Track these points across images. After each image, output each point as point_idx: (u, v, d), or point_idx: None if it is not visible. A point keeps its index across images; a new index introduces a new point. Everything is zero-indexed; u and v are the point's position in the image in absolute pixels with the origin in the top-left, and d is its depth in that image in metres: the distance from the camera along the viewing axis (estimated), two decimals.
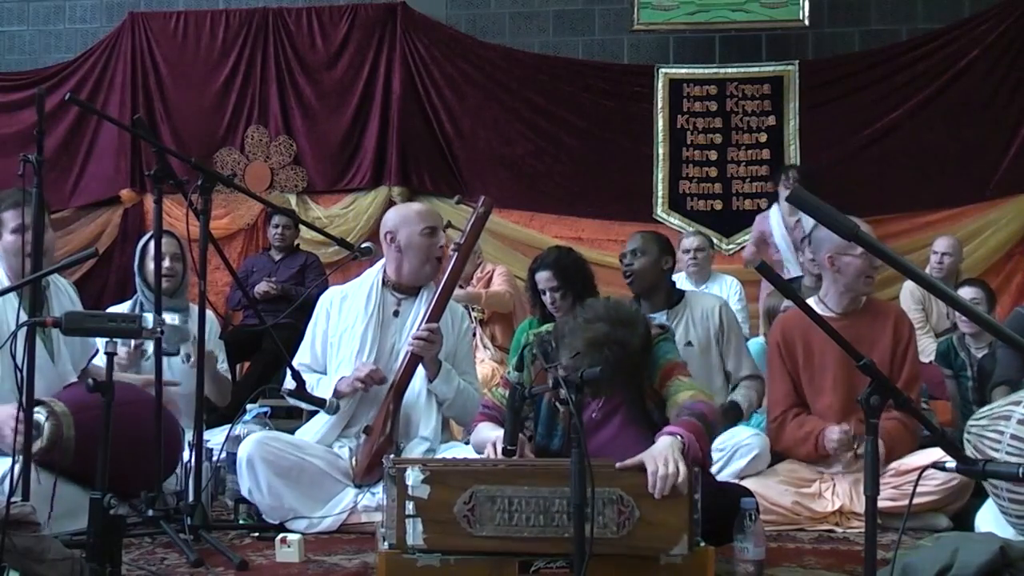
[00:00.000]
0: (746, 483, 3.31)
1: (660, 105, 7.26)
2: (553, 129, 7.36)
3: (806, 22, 7.09)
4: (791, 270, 6.17)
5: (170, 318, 3.65)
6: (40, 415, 3.10)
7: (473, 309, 5.50)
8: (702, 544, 2.50)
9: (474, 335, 5.29)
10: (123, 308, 4.17)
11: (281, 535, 3.04)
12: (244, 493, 3.35)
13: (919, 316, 5.60)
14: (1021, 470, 1.86)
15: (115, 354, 2.50)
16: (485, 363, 5.33)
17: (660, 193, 7.25)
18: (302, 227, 6.15)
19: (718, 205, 7.22)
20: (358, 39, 7.47)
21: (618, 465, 2.48)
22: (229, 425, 3.68)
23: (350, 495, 3.38)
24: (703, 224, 7.00)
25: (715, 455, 3.23)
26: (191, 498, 3.21)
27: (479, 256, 5.84)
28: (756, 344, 4.68)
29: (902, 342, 3.62)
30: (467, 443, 3.34)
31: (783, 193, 6.37)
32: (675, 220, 7.17)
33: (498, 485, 2.44)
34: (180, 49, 7.59)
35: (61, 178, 7.47)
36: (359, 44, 7.47)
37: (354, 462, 3.43)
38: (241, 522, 3.42)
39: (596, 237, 7.26)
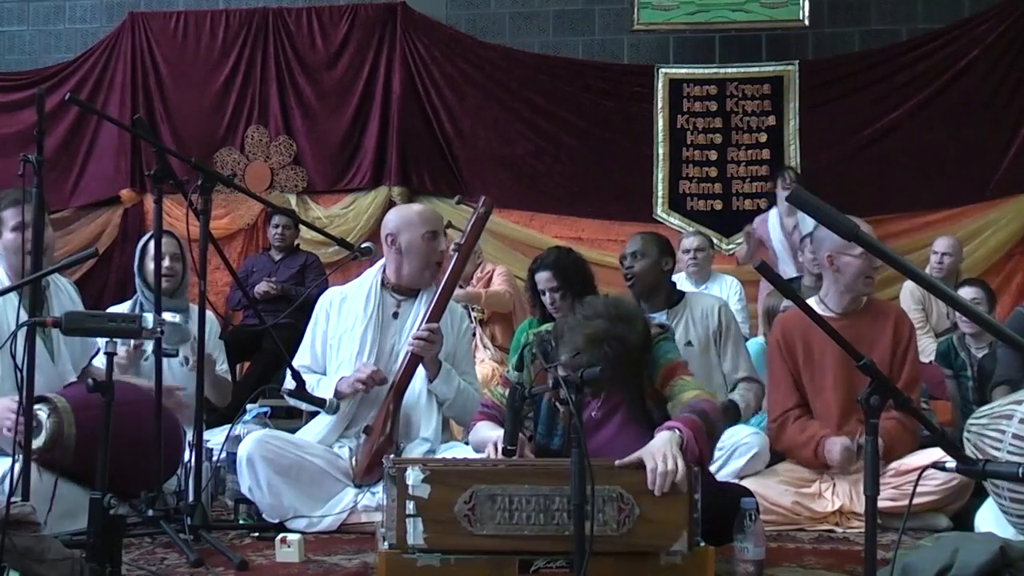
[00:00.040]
0: (746, 483, 3.31)
1: (660, 105, 7.26)
2: (553, 129, 7.37)
3: (806, 22, 7.10)
4: (786, 271, 6.17)
5: (170, 317, 3.64)
6: (42, 412, 3.10)
7: (473, 309, 5.51)
8: (702, 544, 2.50)
9: (474, 335, 5.29)
10: (123, 308, 4.17)
11: (281, 535, 3.04)
12: (244, 491, 3.35)
13: (919, 316, 5.60)
14: (1021, 470, 1.86)
15: (115, 354, 2.50)
16: (485, 363, 5.33)
17: (660, 193, 7.25)
18: (302, 227, 6.15)
19: (718, 205, 7.23)
20: (358, 39, 7.47)
21: (617, 463, 2.49)
22: (229, 425, 3.68)
23: (350, 495, 3.38)
24: (703, 224, 7.00)
25: (714, 453, 3.23)
26: (191, 498, 3.21)
27: (479, 256, 5.84)
28: (756, 344, 4.68)
29: (902, 342, 3.62)
30: (467, 443, 3.34)
31: (781, 195, 6.37)
32: (675, 220, 7.17)
33: (498, 484, 2.44)
34: (180, 49, 7.59)
35: (61, 178, 7.47)
36: (359, 44, 7.47)
37: (354, 462, 3.43)
38: (241, 522, 3.42)
39: (596, 237, 7.26)
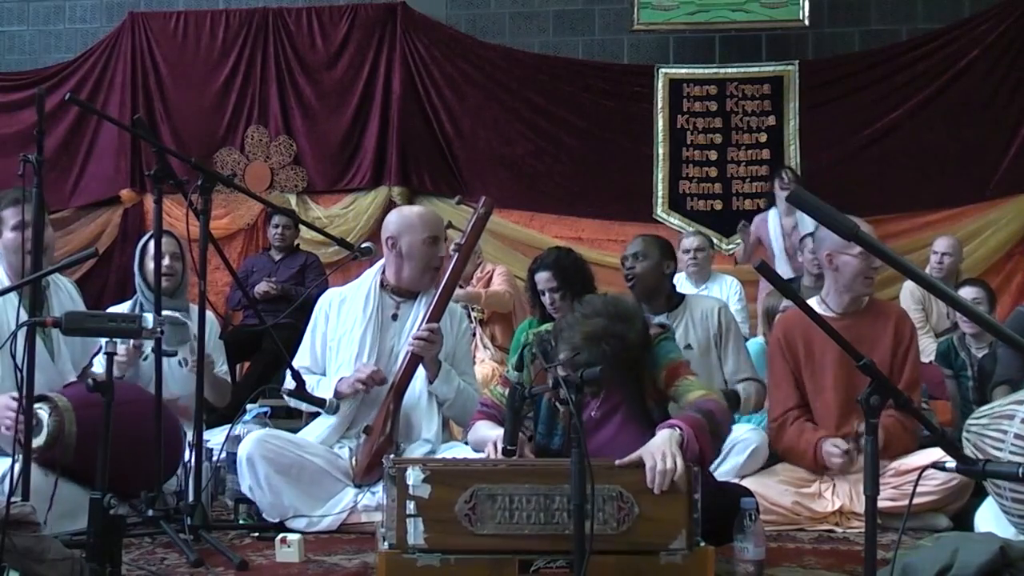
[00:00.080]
0: (746, 483, 3.31)
1: (660, 105, 7.26)
2: (553, 129, 7.37)
3: (806, 22, 7.10)
4: (784, 273, 6.16)
5: (169, 313, 3.65)
6: (43, 411, 3.10)
7: (473, 309, 5.51)
8: (702, 544, 2.50)
9: (474, 335, 5.30)
10: (123, 308, 4.17)
11: (281, 535, 3.04)
12: (244, 491, 3.35)
13: (919, 316, 5.60)
14: (1021, 470, 1.86)
15: (115, 354, 2.50)
16: (485, 363, 5.33)
17: (660, 193, 7.25)
18: (302, 227, 6.15)
19: (718, 205, 7.23)
20: (358, 39, 7.48)
21: (617, 462, 2.49)
22: (229, 425, 3.68)
23: (350, 495, 3.38)
24: (703, 224, 7.01)
25: (720, 452, 3.22)
26: (191, 498, 3.21)
27: (479, 256, 5.84)
28: (756, 344, 4.68)
29: (903, 343, 3.61)
30: (467, 443, 3.34)
31: (779, 194, 6.37)
32: (675, 220, 7.17)
33: (499, 484, 2.44)
34: (180, 49, 7.59)
35: (61, 178, 7.47)
36: (359, 44, 7.47)
37: (354, 462, 3.43)
38: (241, 522, 3.42)
39: (596, 237, 7.27)
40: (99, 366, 3.37)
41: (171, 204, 5.78)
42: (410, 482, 2.43)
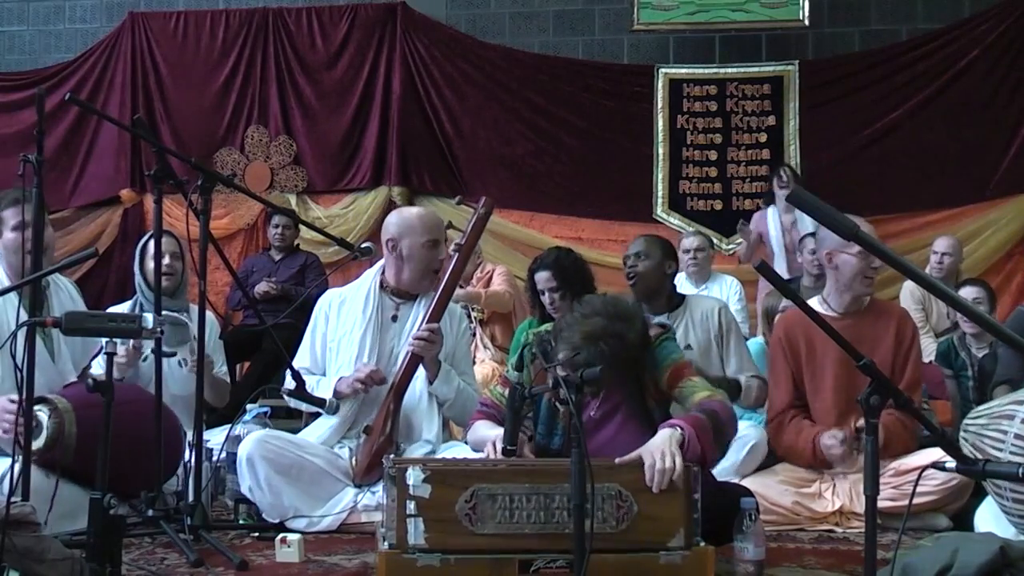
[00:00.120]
0: (746, 483, 3.31)
1: (660, 105, 7.26)
2: (553, 129, 7.37)
3: (806, 22, 7.10)
4: (782, 272, 6.16)
5: (171, 315, 3.65)
6: (42, 413, 3.10)
7: (473, 309, 5.51)
8: (702, 544, 2.50)
9: (474, 335, 5.30)
10: (123, 308, 4.17)
11: (281, 535, 3.04)
12: (244, 491, 3.35)
13: (919, 316, 5.60)
14: (1022, 470, 1.86)
15: (115, 354, 2.50)
16: (485, 363, 5.33)
17: (660, 193, 7.25)
18: (302, 227, 6.15)
19: (718, 205, 7.23)
20: (358, 39, 7.47)
21: (617, 461, 2.49)
22: (229, 425, 3.68)
23: (350, 494, 3.38)
24: (703, 224, 7.01)
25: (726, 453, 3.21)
26: (191, 498, 3.21)
27: (479, 256, 5.84)
28: (755, 344, 4.68)
29: (905, 343, 3.61)
30: (467, 443, 3.34)
31: (779, 193, 6.37)
32: (675, 220, 7.17)
33: (499, 483, 2.45)
34: (180, 49, 7.59)
35: (61, 178, 7.47)
36: (359, 44, 7.47)
37: (354, 462, 3.43)
38: (241, 522, 3.42)
39: (596, 237, 7.26)
40: (98, 368, 3.36)
41: (171, 204, 5.78)
42: (410, 482, 2.44)
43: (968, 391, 4.99)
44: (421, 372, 3.51)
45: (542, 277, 4.26)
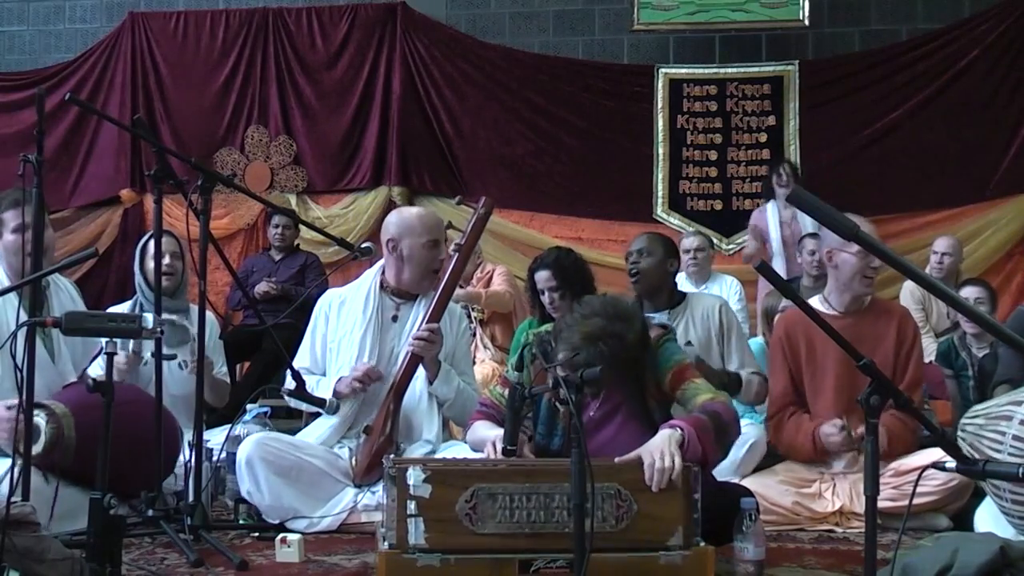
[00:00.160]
0: (746, 483, 3.32)
1: (660, 105, 7.26)
2: (553, 129, 7.37)
3: (806, 22, 7.10)
4: (779, 269, 6.15)
5: (169, 316, 3.64)
6: (40, 419, 3.09)
7: (473, 309, 5.51)
8: (702, 544, 2.50)
9: (474, 335, 5.30)
10: (123, 308, 4.17)
11: (281, 535, 3.04)
12: (244, 494, 3.35)
13: (919, 316, 5.60)
14: (1022, 470, 1.86)
15: (115, 354, 2.50)
16: (485, 363, 5.33)
17: (660, 193, 7.25)
18: (302, 227, 6.15)
19: (718, 205, 7.23)
20: (358, 39, 7.47)
21: (617, 460, 2.50)
22: (229, 425, 3.68)
23: (350, 495, 3.38)
24: (703, 224, 7.00)
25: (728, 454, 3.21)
26: (191, 498, 3.21)
27: (479, 256, 5.84)
28: (755, 344, 4.68)
29: (906, 343, 3.61)
30: (467, 442, 3.34)
31: (779, 191, 6.37)
32: (675, 220, 7.17)
33: (499, 483, 2.45)
34: (180, 49, 7.59)
35: (61, 178, 7.47)
36: (359, 44, 7.47)
37: (354, 462, 3.43)
38: (241, 522, 3.42)
39: (596, 237, 7.26)
40: (98, 368, 3.36)
41: (171, 204, 5.78)
42: (411, 482, 2.44)
43: (968, 391, 4.99)
44: (421, 372, 3.51)
45: (542, 276, 4.26)
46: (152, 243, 3.74)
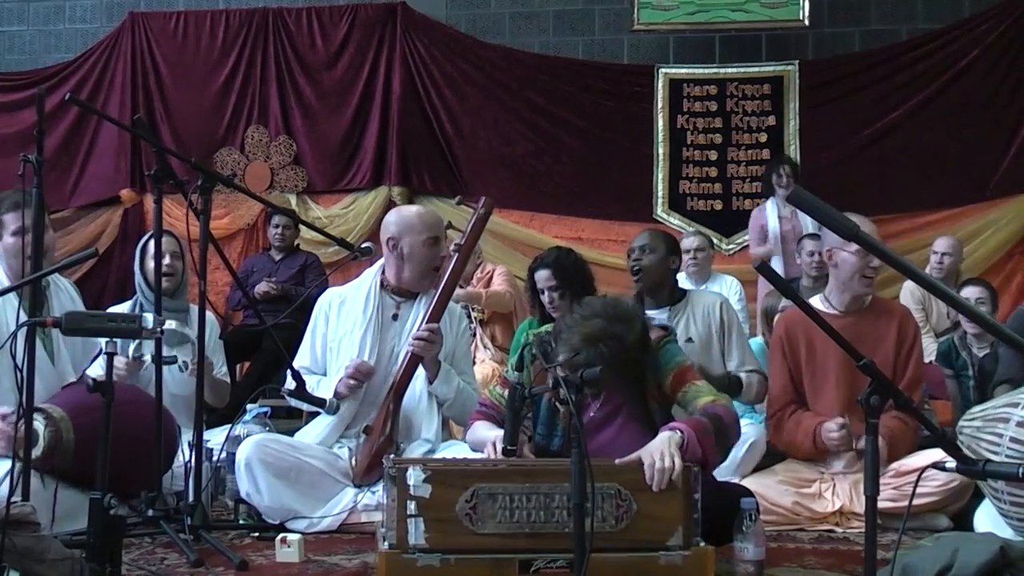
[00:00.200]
0: (746, 483, 3.32)
1: (660, 105, 7.26)
2: (553, 129, 7.37)
3: (806, 22, 7.10)
4: (777, 267, 6.15)
5: (170, 324, 3.62)
6: (38, 424, 3.08)
7: (473, 309, 5.51)
8: (702, 544, 2.50)
9: (474, 335, 5.30)
10: (123, 308, 4.17)
11: (281, 535, 3.04)
12: (243, 496, 3.35)
13: (919, 316, 5.60)
14: (1021, 470, 1.86)
15: (115, 354, 2.50)
16: (485, 363, 5.33)
17: (660, 193, 7.25)
18: (302, 227, 6.15)
19: (718, 205, 7.23)
20: (358, 39, 7.47)
21: (617, 461, 2.50)
22: (229, 425, 3.68)
23: (350, 495, 3.37)
24: (703, 224, 7.00)
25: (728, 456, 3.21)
26: (191, 498, 3.21)
27: (479, 256, 5.84)
28: (755, 344, 4.68)
29: (907, 342, 3.61)
30: (467, 442, 3.34)
31: (779, 191, 6.37)
32: (675, 220, 7.17)
33: (499, 483, 2.45)
34: (180, 49, 7.59)
35: (61, 178, 7.47)
36: (359, 44, 7.47)
37: (353, 462, 3.43)
38: (241, 522, 3.42)
39: (596, 237, 7.26)
40: (98, 369, 3.36)
41: (171, 204, 5.77)
42: (411, 482, 2.44)
43: (969, 391, 4.99)
44: (421, 372, 3.51)
45: (542, 276, 4.26)
46: (152, 243, 3.74)
